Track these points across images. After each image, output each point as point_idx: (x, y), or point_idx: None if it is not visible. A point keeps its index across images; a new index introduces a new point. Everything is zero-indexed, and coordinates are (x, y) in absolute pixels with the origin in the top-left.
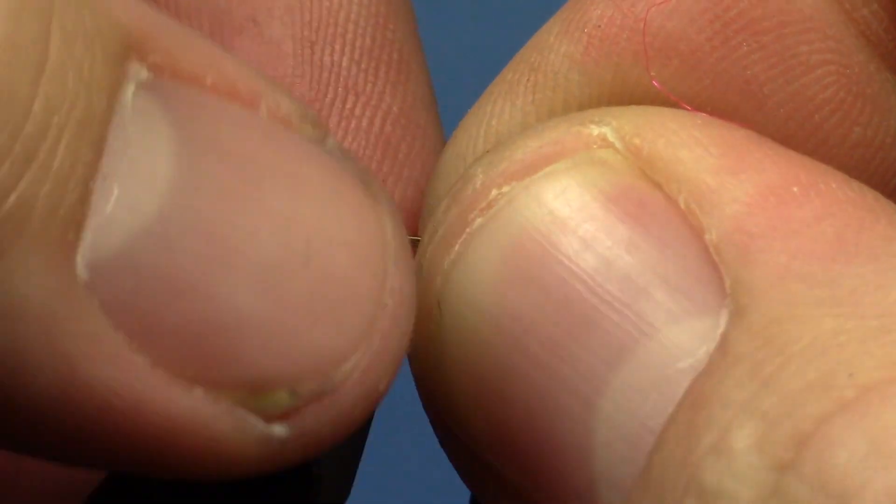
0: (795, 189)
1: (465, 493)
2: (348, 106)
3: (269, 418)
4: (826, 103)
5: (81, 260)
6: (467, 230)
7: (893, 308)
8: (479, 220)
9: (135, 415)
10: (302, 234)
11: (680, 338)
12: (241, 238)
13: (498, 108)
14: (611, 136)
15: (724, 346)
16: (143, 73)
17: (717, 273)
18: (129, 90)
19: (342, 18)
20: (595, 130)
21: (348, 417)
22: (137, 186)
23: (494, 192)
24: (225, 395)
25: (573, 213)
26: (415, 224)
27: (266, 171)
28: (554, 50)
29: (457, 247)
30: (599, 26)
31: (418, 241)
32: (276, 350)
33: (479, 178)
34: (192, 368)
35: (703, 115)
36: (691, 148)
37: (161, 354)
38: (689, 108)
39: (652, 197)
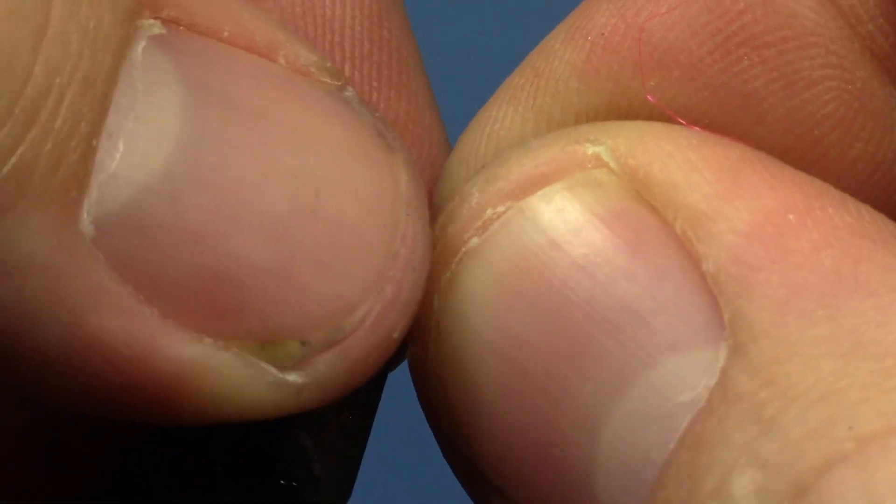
0: (792, 217)
1: (465, 496)
2: None
3: (282, 368)
4: (827, 119)
5: (87, 216)
6: (463, 249)
7: (894, 349)
8: (474, 240)
9: (144, 364)
10: (310, 185)
11: (680, 370)
12: (248, 190)
13: (501, 113)
14: (605, 156)
15: (724, 383)
16: (156, 28)
17: (716, 305)
18: (139, 47)
19: (338, 27)
20: (590, 150)
21: (362, 365)
22: (144, 142)
23: (490, 211)
24: (235, 345)
25: (569, 236)
26: None
27: (276, 122)
28: (558, 56)
29: (453, 266)
30: (603, 35)
31: None
32: (283, 301)
33: (475, 197)
34: (201, 320)
35: (700, 131)
36: (687, 172)
37: (169, 306)
38: (684, 122)
39: (648, 222)
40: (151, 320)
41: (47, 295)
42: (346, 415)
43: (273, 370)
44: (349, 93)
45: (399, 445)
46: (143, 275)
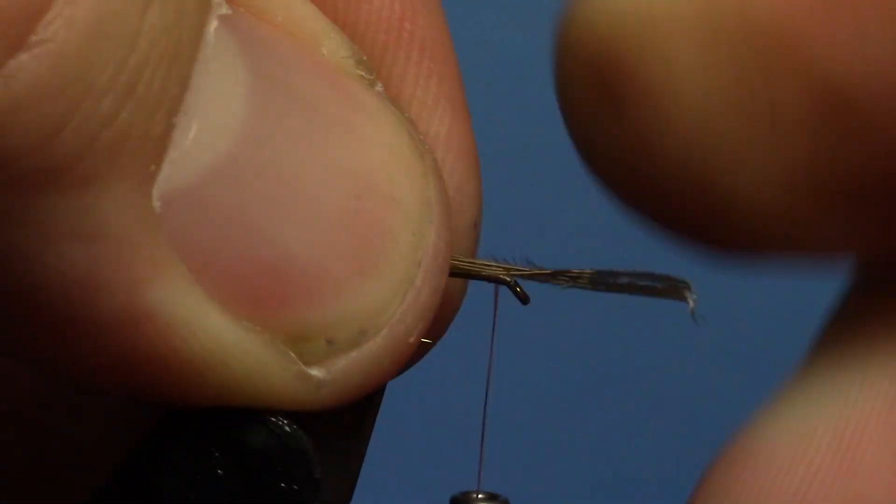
0: None
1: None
2: None
3: (307, 362)
4: None
5: (156, 191)
6: None
7: None
8: None
9: (188, 340)
10: (356, 185)
11: None
12: (302, 184)
13: None
14: None
15: None
16: (223, 8)
17: None
18: (213, 25)
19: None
20: None
21: (378, 368)
22: (213, 124)
23: None
24: (269, 333)
25: None
26: None
27: (328, 117)
28: None
29: None
30: None
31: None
32: (319, 298)
33: None
34: (243, 305)
35: None
36: None
37: (216, 288)
38: None
39: None
40: (199, 300)
41: (116, 264)
42: (346, 417)
43: (299, 363)
44: (379, 87)
45: (399, 448)
46: (197, 254)
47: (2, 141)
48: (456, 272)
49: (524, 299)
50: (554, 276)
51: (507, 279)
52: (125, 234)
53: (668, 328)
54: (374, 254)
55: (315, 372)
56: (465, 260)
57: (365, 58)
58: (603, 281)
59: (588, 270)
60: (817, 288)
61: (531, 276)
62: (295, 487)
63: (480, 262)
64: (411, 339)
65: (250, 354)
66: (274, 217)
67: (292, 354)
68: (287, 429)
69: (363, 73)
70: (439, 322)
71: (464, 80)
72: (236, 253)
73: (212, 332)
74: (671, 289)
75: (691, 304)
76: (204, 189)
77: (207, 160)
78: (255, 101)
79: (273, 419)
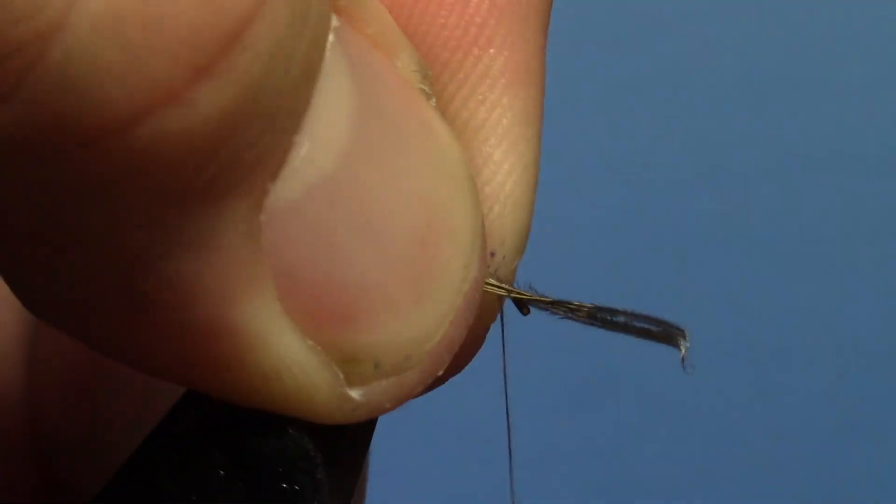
0: None
1: (464, 499)
2: None
3: (351, 384)
4: None
5: (265, 206)
6: None
7: None
8: None
9: (258, 355)
10: (427, 213)
11: None
12: (384, 209)
13: None
14: None
15: None
16: (335, 20)
17: None
18: (331, 39)
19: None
20: None
21: (408, 395)
22: (321, 143)
23: None
24: (326, 352)
25: None
26: None
27: (411, 144)
28: None
29: None
30: None
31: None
32: (377, 321)
33: None
34: (313, 323)
35: None
36: None
37: (292, 304)
38: None
39: None
40: (280, 316)
41: (217, 276)
42: None
43: (345, 385)
44: (433, 103)
45: (401, 449)
46: (284, 268)
47: (172, 168)
48: None
49: (525, 310)
50: (553, 305)
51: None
52: (233, 248)
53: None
54: (430, 283)
55: (355, 394)
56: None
57: (430, 72)
58: (600, 318)
59: (587, 305)
60: (818, 287)
61: (531, 302)
62: (296, 488)
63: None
64: (441, 371)
65: (307, 373)
66: (358, 239)
67: (342, 376)
68: (289, 430)
69: (426, 88)
70: (464, 356)
71: None
72: (318, 272)
73: (282, 350)
74: (666, 335)
75: (683, 351)
76: (303, 206)
77: (312, 178)
78: (358, 121)
79: (275, 420)
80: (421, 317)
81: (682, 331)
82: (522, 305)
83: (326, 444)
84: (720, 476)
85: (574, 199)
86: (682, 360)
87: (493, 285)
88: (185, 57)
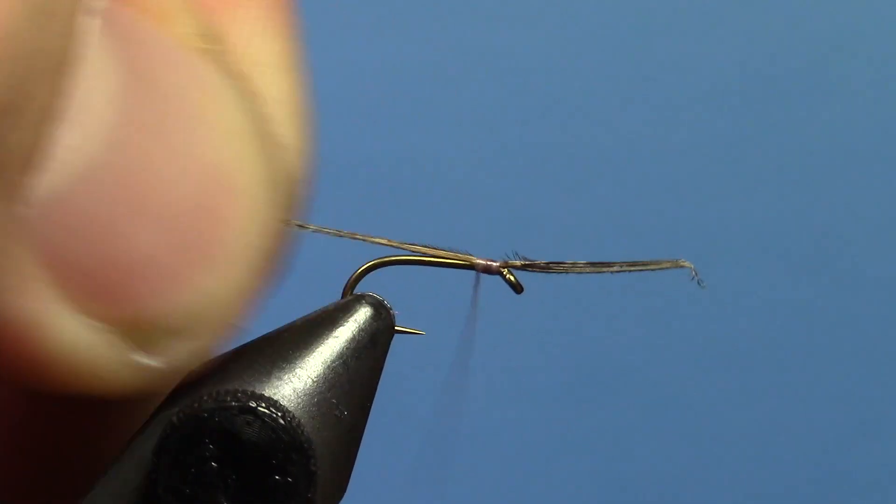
0: None
1: (459, 494)
2: None
3: (145, 352)
4: None
5: (25, 199)
6: None
7: None
8: None
9: (40, 343)
10: (205, 178)
11: None
12: (163, 180)
13: None
14: None
15: None
16: (102, 2)
17: None
18: (95, 22)
19: None
20: None
21: (204, 349)
22: (86, 130)
23: None
24: (112, 329)
25: None
26: None
27: (185, 108)
28: None
29: None
30: None
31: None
32: (163, 291)
33: None
34: (93, 304)
35: None
36: None
37: (71, 288)
38: None
39: None
40: (58, 302)
41: None
42: (341, 411)
43: (136, 354)
44: (227, 58)
45: (393, 441)
46: (55, 257)
47: None
48: (431, 262)
49: (518, 288)
50: (548, 267)
51: (500, 270)
52: None
53: (666, 327)
54: (211, 244)
55: (149, 359)
56: (307, 225)
57: (211, 27)
58: (599, 265)
59: (581, 262)
60: (817, 288)
61: (524, 268)
62: (290, 480)
63: (454, 254)
64: (237, 323)
65: (88, 349)
66: (133, 217)
67: (127, 345)
68: (282, 422)
69: (209, 46)
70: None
71: (460, 81)
72: (95, 254)
73: (64, 334)
74: (668, 262)
75: (692, 267)
76: (73, 194)
77: (79, 165)
78: (125, 100)
79: (268, 412)
80: (205, 278)
81: (677, 259)
82: (517, 286)
83: (319, 435)
84: (720, 476)
85: (574, 199)
86: (694, 274)
87: (481, 260)
88: None
